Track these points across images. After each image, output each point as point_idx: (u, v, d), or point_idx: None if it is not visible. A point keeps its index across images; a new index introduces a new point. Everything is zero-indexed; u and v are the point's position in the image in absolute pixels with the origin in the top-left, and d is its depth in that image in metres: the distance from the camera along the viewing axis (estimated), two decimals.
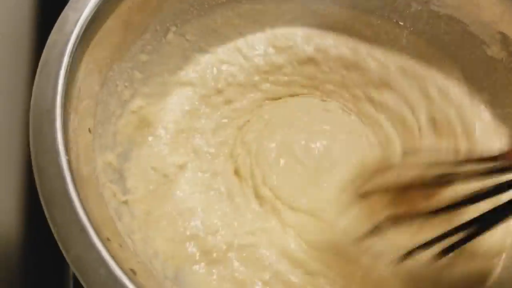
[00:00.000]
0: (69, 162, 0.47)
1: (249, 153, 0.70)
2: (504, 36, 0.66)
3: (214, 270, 0.60)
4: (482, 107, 0.70)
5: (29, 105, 0.71)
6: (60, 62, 0.52)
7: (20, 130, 0.71)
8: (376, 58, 0.76)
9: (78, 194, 0.45)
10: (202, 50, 0.74)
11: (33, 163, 0.47)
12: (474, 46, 0.70)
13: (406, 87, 0.74)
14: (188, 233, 0.62)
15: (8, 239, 0.65)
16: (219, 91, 0.73)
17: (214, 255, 0.61)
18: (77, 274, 0.43)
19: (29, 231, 0.69)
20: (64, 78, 0.51)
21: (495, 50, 0.68)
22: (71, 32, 0.53)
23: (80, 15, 0.55)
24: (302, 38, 0.76)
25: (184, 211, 0.64)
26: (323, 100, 0.77)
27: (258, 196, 0.67)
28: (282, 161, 0.69)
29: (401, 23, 0.74)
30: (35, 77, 0.51)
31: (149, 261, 0.53)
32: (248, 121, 0.74)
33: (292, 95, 0.77)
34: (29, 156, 0.45)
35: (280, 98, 0.77)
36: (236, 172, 0.69)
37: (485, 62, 0.69)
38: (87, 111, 0.55)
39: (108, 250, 0.43)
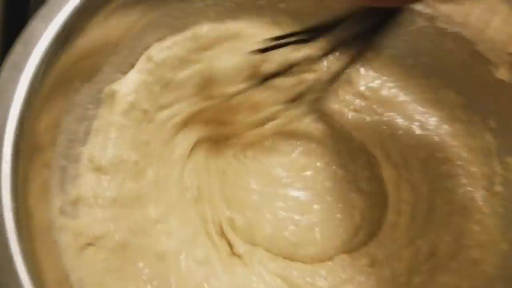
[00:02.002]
0: (16, 209, 0.42)
1: None
2: None
3: None
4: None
5: None
6: (14, 90, 0.47)
7: None
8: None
9: (23, 250, 0.41)
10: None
11: None
12: (481, 67, 0.64)
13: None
14: None
15: None
16: None
17: None
18: None
19: None
20: (20, 110, 0.46)
21: (504, 73, 0.63)
22: (33, 52, 0.48)
23: (48, 29, 0.50)
24: None
25: None
26: None
27: None
28: None
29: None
30: None
31: None
32: None
33: None
34: None
35: None
36: None
37: (493, 86, 0.64)
38: (44, 143, 0.51)
39: None
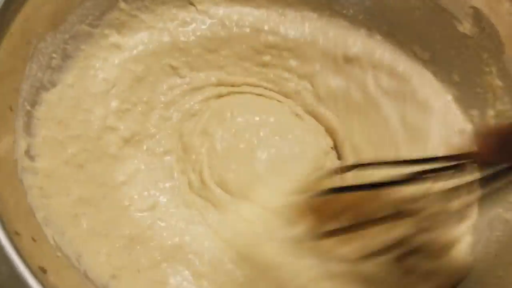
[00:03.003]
0: None
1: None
2: (476, 11, 0.62)
3: None
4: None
5: None
6: None
7: None
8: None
9: None
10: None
11: None
12: (445, 22, 0.65)
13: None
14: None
15: None
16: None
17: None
18: None
19: None
20: None
21: (467, 26, 0.64)
22: None
23: None
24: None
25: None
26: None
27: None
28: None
29: None
30: None
31: (75, 257, 0.48)
32: None
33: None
34: None
35: None
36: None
37: (456, 39, 0.65)
38: (8, 87, 0.50)
39: (14, 245, 0.39)
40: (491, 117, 0.64)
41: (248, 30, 0.71)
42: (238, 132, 0.67)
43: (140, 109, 0.65)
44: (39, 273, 0.40)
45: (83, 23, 0.61)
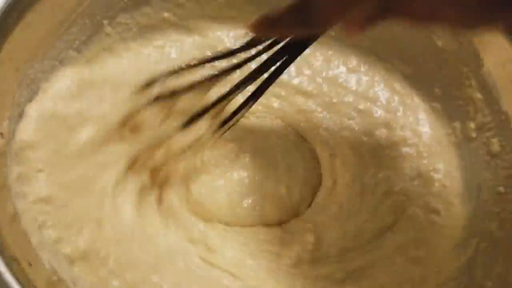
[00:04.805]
0: None
1: None
2: None
3: None
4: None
5: None
6: None
7: None
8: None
9: None
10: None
11: None
12: (425, 38, 0.67)
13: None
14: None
15: None
16: None
17: None
18: None
19: None
20: None
21: (445, 41, 0.66)
22: None
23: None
24: None
25: None
26: None
27: None
28: None
29: None
30: None
31: (70, 280, 0.48)
32: None
33: None
34: None
35: None
36: None
37: (435, 55, 0.67)
38: None
39: (12, 271, 0.39)
40: (473, 129, 0.66)
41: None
42: None
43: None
44: None
45: (70, 49, 0.62)
